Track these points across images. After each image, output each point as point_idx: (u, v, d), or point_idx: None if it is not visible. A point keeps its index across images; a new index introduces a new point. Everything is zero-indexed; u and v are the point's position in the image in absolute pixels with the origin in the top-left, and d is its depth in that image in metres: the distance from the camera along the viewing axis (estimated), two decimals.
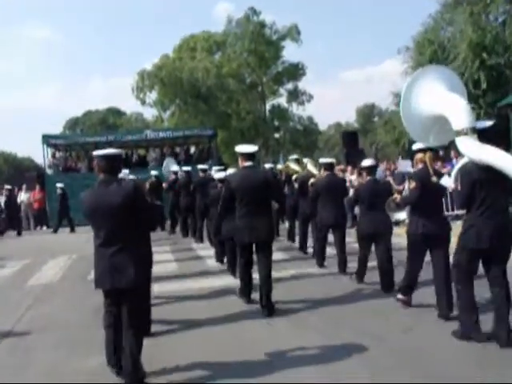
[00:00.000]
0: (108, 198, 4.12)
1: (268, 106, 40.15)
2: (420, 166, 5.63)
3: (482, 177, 4.54)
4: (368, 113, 54.27)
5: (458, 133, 4.63)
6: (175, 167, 15.05)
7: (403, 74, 20.82)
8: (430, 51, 17.56)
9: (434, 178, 5.40)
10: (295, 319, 5.98)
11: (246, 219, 6.23)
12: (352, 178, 14.46)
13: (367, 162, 7.27)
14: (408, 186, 5.91)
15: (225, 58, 38.11)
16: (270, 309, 6.13)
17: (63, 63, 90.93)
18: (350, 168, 15.93)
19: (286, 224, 12.68)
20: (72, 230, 17.44)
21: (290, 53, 46.34)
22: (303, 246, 10.32)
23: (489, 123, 4.86)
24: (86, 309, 6.77)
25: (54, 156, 20.10)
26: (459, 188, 4.73)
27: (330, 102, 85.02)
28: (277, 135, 40.66)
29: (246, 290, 6.56)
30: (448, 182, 5.29)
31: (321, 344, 5.04)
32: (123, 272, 4.10)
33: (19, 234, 18.16)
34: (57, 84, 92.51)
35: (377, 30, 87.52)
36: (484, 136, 4.61)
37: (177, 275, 9.00)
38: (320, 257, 8.69)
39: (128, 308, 4.18)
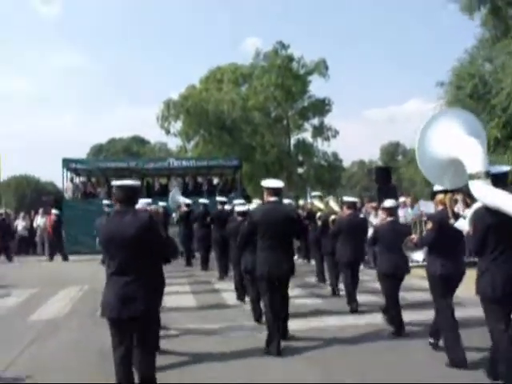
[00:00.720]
0: (122, 229, 4.11)
1: (293, 141, 39.30)
2: (440, 207, 5.58)
3: (494, 222, 4.39)
4: (392, 151, 53.25)
5: (472, 176, 4.54)
6: (182, 198, 14.88)
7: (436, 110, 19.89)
8: (472, 85, 16.46)
9: (453, 221, 5.26)
10: (312, 360, 5.73)
11: (268, 254, 6.10)
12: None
13: (388, 203, 7.20)
14: (425, 227, 6.15)
15: (251, 91, 37.47)
16: (283, 334, 6.26)
17: (89, 89, 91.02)
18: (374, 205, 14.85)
19: (312, 262, 12.54)
20: (51, 258, 17.17)
21: (315, 87, 45.87)
22: (334, 288, 9.64)
23: (505, 168, 4.75)
24: (91, 350, 6.06)
25: (72, 180, 19.36)
26: (471, 233, 4.62)
27: (352, 139, 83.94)
28: (300, 170, 39.76)
29: (274, 340, 5.93)
30: (463, 225, 5.02)
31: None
32: (134, 302, 4.06)
33: (9, 259, 17.54)
34: (81, 110, 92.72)
35: (400, 70, 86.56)
36: (498, 181, 4.50)
37: (192, 308, 8.77)
38: (351, 299, 8.20)
39: (142, 337, 4.17)
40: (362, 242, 8.73)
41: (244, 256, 7.49)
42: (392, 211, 7.17)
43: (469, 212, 4.76)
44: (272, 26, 68.94)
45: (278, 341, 5.91)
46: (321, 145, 39.07)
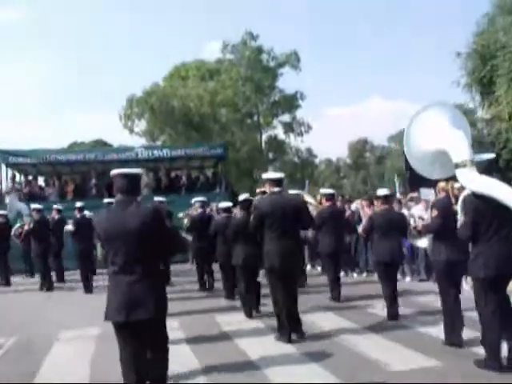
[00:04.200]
0: (126, 221, 3.46)
1: (264, 137, 34.80)
2: (443, 194, 5.38)
3: (482, 207, 4.37)
4: (360, 148, 49.44)
5: (458, 165, 4.59)
6: (22, 205, 11.95)
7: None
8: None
9: (455, 207, 4.92)
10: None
11: (277, 245, 5.65)
12: (415, 210, 8.81)
13: (382, 192, 7.03)
14: (430, 214, 5.55)
15: (219, 86, 32.75)
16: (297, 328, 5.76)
17: (50, 94, 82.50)
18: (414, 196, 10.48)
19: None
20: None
21: (286, 82, 41.88)
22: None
23: (488, 156, 4.67)
24: None
25: (13, 179, 14.16)
26: (461, 218, 4.53)
27: (318, 137, 78.64)
28: (272, 168, 35.38)
29: (283, 328, 5.60)
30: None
31: None
32: (143, 304, 3.41)
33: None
34: (44, 115, 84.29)
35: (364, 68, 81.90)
36: (482, 168, 4.49)
37: None
38: (336, 289, 7.94)
39: (152, 339, 3.62)
40: (342, 233, 8.82)
41: (235, 250, 7.20)
42: (386, 199, 6.98)
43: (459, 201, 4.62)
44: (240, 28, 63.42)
45: (289, 331, 5.57)
46: (293, 140, 34.82)
